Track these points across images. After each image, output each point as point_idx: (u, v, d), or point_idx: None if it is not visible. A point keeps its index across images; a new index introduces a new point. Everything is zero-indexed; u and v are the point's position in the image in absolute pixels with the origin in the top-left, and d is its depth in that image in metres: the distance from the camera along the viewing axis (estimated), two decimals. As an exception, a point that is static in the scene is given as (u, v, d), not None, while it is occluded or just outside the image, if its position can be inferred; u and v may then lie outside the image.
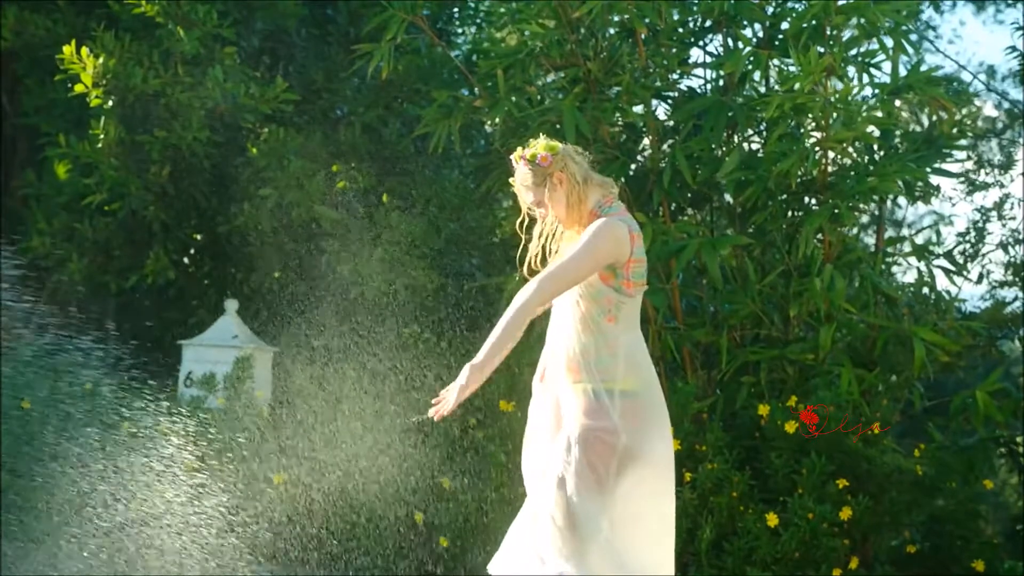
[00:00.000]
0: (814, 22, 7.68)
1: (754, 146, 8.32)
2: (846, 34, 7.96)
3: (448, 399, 4.83)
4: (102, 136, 8.76)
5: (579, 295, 4.94)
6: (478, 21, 9.95)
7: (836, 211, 7.64)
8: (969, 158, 9.41)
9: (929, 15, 13.39)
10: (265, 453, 8.07)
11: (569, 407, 4.97)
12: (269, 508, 7.90)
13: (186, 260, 9.44)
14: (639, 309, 4.95)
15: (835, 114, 7.61)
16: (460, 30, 10.16)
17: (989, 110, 12.98)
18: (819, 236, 7.91)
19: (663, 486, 4.92)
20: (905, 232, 13.09)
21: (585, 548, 4.83)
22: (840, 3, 7.67)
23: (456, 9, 9.83)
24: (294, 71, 9.45)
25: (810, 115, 7.72)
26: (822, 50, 7.68)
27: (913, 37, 8.20)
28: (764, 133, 8.19)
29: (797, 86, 7.52)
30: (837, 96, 7.64)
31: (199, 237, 9.35)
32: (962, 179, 8.93)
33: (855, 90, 7.79)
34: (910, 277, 9.67)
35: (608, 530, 4.81)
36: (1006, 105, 12.42)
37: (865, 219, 10.31)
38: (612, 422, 4.85)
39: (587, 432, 4.88)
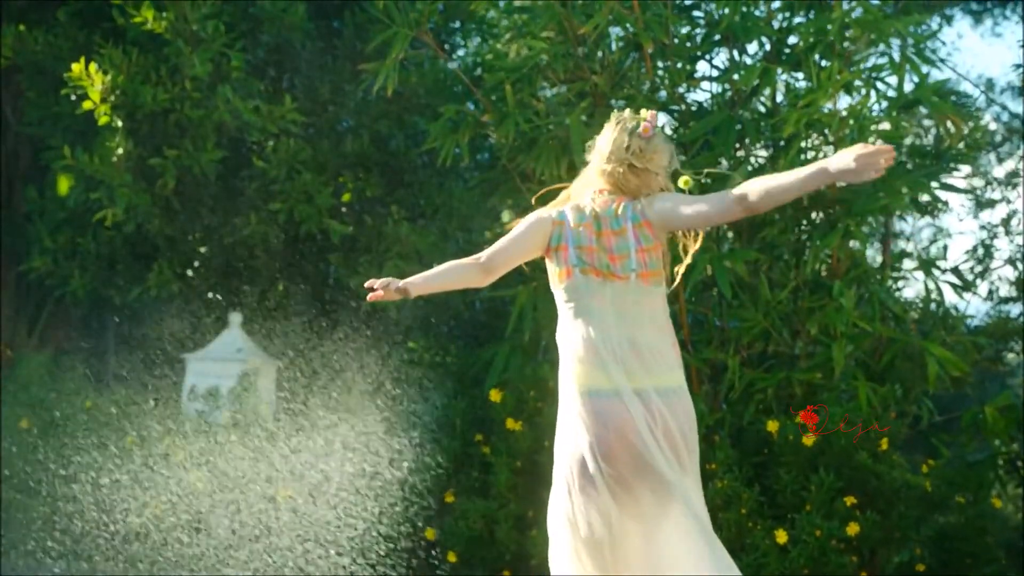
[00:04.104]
0: (826, 36, 7.67)
1: (760, 160, 8.31)
2: (852, 47, 7.97)
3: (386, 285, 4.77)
4: (119, 151, 8.72)
5: None
6: (481, 34, 9.92)
7: (848, 229, 7.63)
8: (975, 174, 9.43)
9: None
10: (270, 467, 8.05)
11: None
12: (273, 524, 7.88)
13: (190, 273, 9.40)
14: (608, 304, 4.81)
15: (847, 129, 7.61)
16: (463, 42, 10.14)
17: (988, 123, 13.00)
18: (826, 251, 7.90)
19: (636, 485, 4.77)
20: (904, 243, 13.09)
21: (557, 552, 4.83)
22: (854, 16, 7.67)
23: (459, 22, 9.80)
24: (300, 84, 9.42)
25: (826, 130, 7.72)
26: (827, 63, 7.68)
27: (916, 53, 8.16)
28: (771, 147, 8.19)
29: (810, 103, 7.51)
30: (848, 111, 7.65)
31: (203, 250, 9.31)
32: (969, 195, 8.94)
33: (869, 104, 7.78)
34: (912, 291, 9.67)
35: (584, 532, 4.75)
36: (1005, 118, 12.45)
37: (865, 229, 10.31)
38: (561, 425, 4.85)
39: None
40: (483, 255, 4.92)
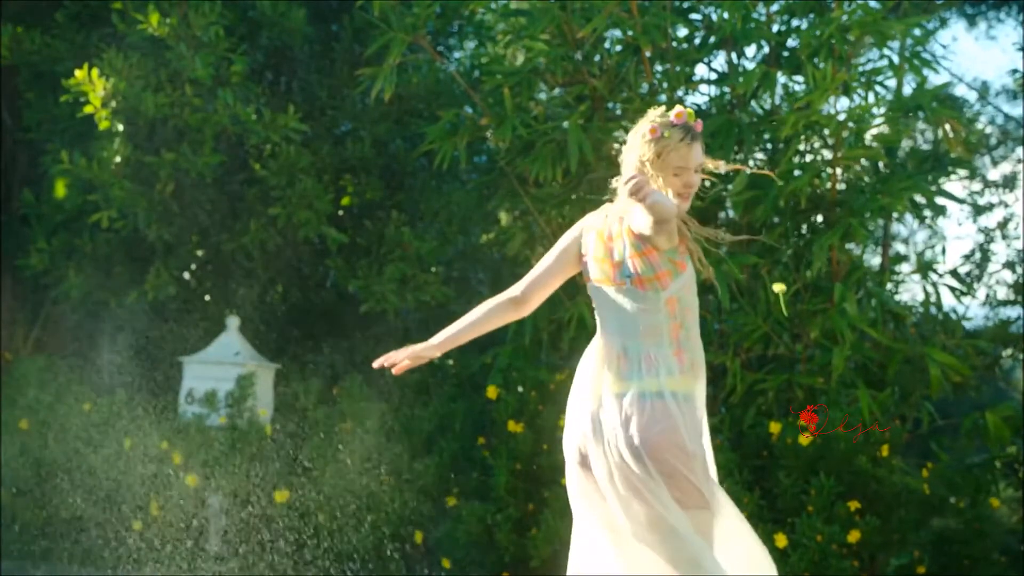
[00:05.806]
0: (825, 37, 7.67)
1: (759, 163, 8.30)
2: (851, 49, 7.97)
3: (401, 357, 4.65)
4: (118, 158, 8.69)
5: None
6: (479, 38, 9.91)
7: (849, 227, 7.62)
8: (972, 178, 9.42)
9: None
10: (267, 471, 8.04)
11: None
12: (271, 526, 7.87)
13: (187, 276, 9.37)
14: (611, 311, 4.72)
15: (845, 131, 7.61)
16: (460, 46, 10.13)
17: (984, 127, 13.01)
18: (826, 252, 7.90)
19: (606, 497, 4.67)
20: (901, 247, 13.10)
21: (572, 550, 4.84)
22: (855, 17, 7.67)
23: (456, 26, 9.79)
24: (298, 87, 9.40)
25: (825, 132, 7.72)
26: (823, 66, 7.68)
27: (913, 56, 8.15)
28: (771, 151, 8.18)
29: (808, 104, 7.51)
30: (848, 113, 7.64)
31: (201, 253, 9.28)
32: (968, 200, 8.93)
33: (869, 107, 7.78)
34: (909, 295, 9.67)
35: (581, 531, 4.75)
36: (1000, 121, 12.46)
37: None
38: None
39: None
40: (517, 288, 4.78)
